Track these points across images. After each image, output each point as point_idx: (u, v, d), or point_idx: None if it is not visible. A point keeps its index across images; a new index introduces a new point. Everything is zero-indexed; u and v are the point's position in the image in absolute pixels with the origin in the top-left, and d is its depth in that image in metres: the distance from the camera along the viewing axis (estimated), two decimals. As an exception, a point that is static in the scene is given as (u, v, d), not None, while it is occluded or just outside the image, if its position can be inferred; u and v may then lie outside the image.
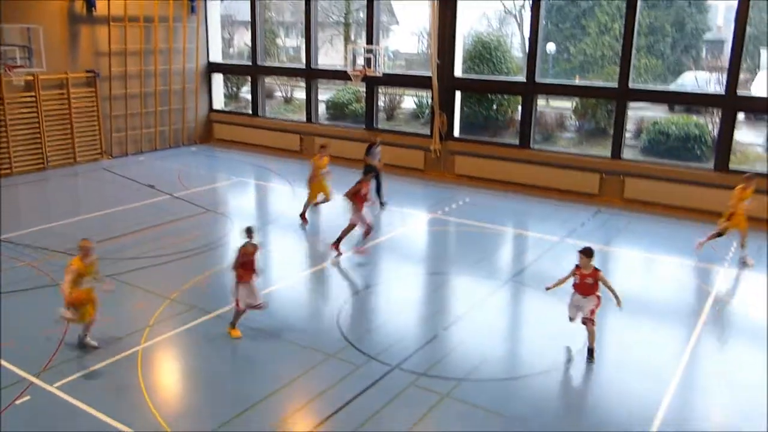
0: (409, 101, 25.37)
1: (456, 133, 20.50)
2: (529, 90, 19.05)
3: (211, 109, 25.17)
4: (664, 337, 10.08)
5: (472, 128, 21.14)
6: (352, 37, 29.64)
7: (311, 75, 22.97)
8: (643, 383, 8.56)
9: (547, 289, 9.52)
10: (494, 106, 22.03)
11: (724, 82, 16.66)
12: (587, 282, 9.01)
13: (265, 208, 17.74)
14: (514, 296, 11.84)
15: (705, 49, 28.27)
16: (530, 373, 8.95)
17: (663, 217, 16.15)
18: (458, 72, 20.28)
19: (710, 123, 19.56)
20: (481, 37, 22.83)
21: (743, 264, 13.06)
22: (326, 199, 15.41)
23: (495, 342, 9.98)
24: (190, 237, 13.91)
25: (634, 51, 17.46)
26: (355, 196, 12.90)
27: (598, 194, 17.65)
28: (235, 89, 28.43)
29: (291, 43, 36.14)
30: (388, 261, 13.37)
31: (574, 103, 21.71)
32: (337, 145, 22.03)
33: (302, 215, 15.22)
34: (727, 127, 16.57)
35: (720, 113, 16.96)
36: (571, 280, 9.18)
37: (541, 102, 20.52)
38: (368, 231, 13.34)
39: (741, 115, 22.01)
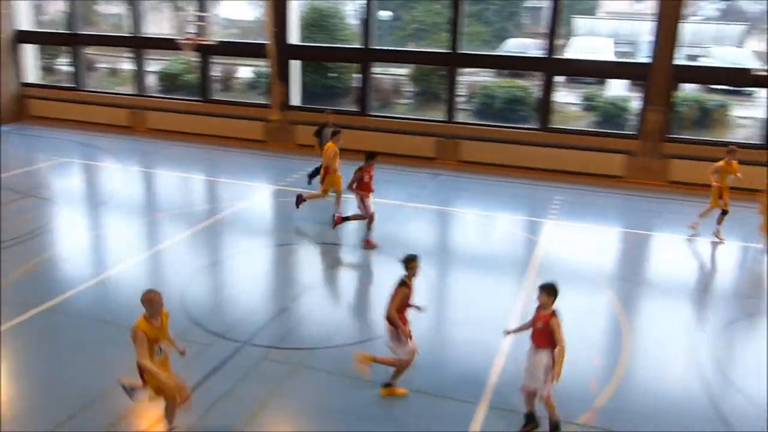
0: (246, 71, 24.62)
1: (296, 102, 20.27)
2: (365, 57, 19.23)
3: (22, 84, 22.90)
4: (499, 289, 10.73)
5: (312, 97, 20.99)
6: (181, 4, 28.13)
7: (138, 44, 21.59)
8: (484, 335, 9.04)
9: (507, 333, 7.33)
10: (332, 74, 21.99)
11: (544, 47, 17.84)
12: (538, 327, 6.77)
13: (95, 188, 16.54)
14: (361, 261, 12.03)
15: (526, 16, 30.00)
16: (381, 335, 9.15)
17: (495, 176, 17.10)
18: (295, 40, 19.99)
19: (532, 86, 20.87)
20: (317, 5, 22.57)
21: (716, 237, 12.80)
22: (337, 193, 13.32)
23: (346, 308, 10.11)
24: (8, 225, 12.65)
25: (463, 18, 18.18)
26: (360, 186, 11.85)
27: (435, 157, 18.31)
28: (49, 61, 26.01)
29: (113, 10, 33.63)
30: (232, 235, 13.03)
31: (410, 70, 22.18)
32: (171, 119, 21.05)
33: (342, 218, 12.65)
34: (548, 88, 17.81)
35: (541, 76, 18.14)
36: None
37: (378, 69, 20.78)
38: (370, 220, 12.15)
39: (559, 78, 23.65)
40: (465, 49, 18.63)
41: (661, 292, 11.03)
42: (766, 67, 15.25)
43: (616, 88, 23.47)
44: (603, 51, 25.24)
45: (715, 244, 12.76)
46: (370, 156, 11.99)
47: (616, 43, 29.17)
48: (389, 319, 7.33)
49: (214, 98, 21.28)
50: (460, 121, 18.90)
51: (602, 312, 10.08)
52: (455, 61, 18.40)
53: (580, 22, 31.22)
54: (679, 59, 17.10)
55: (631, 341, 9.07)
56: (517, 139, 17.78)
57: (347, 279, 11.37)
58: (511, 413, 7.30)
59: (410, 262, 7.39)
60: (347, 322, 9.58)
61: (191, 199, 15.34)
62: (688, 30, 18.61)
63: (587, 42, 27.39)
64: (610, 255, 12.68)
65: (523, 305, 9.99)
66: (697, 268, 11.99)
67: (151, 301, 6.44)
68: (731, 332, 9.54)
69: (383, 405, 7.49)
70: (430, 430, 7.08)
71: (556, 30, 17.52)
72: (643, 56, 17.87)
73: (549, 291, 6.77)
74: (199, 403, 7.38)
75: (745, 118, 20.71)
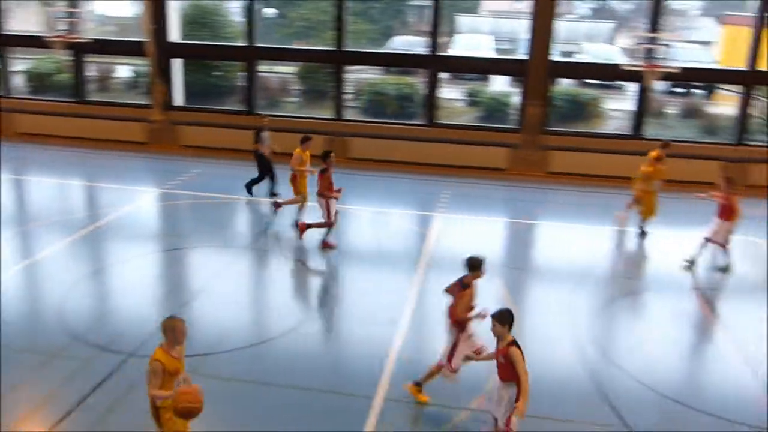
0: (124, 70, 23.53)
1: (179, 102, 19.60)
2: (250, 55, 18.87)
3: None
4: (391, 284, 10.84)
5: (196, 96, 20.35)
6: None
7: (0, 42, 20.12)
8: (377, 329, 9.12)
9: (469, 359, 7.30)
10: (217, 73, 21.43)
11: (429, 45, 18.19)
12: (500, 361, 6.27)
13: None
14: (252, 263, 11.80)
15: (411, 14, 30.54)
16: (274, 336, 9.03)
17: (385, 172, 17.27)
18: (175, 38, 19.30)
19: (419, 83, 21.27)
20: (199, 2, 21.90)
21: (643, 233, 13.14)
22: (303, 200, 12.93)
23: (237, 311, 9.87)
24: None
25: (348, 16, 18.23)
26: (329, 190, 11.58)
27: (326, 155, 18.24)
28: None
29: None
30: (115, 242, 12.41)
31: (297, 68, 21.99)
32: (43, 122, 19.79)
33: (303, 225, 12.30)
34: (433, 85, 18.18)
35: (426, 73, 18.49)
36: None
37: (264, 67, 20.44)
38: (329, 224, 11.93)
39: (444, 74, 24.14)
40: (351, 47, 18.69)
41: (545, 277, 11.55)
42: (633, 63, 16.20)
43: (498, 84, 24.31)
44: (484, 48, 26.10)
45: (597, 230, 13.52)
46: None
47: (497, 40, 30.14)
48: (459, 322, 7.23)
49: (90, 99, 20.21)
50: (349, 118, 18.96)
51: (490, 299, 10.35)
52: (341, 58, 18.42)
53: (462, 20, 32.06)
54: (555, 55, 17.96)
55: (517, 326, 9.36)
56: (405, 136, 18.04)
57: (238, 280, 11.10)
58: (406, 404, 7.40)
59: (478, 266, 7.21)
60: (239, 326, 9.36)
61: (69, 207, 14.47)
62: (562, 27, 19.60)
63: (470, 39, 28.22)
64: (497, 244, 13.12)
65: (415, 298, 10.16)
66: (579, 253, 12.56)
67: (174, 329, 5.65)
68: (611, 312, 10.12)
69: (279, 407, 7.38)
70: (327, 429, 7.04)
71: (439, 28, 17.92)
72: (522, 53, 18.61)
73: (501, 319, 6.21)
74: (82, 422, 7.00)
75: (615, 110, 22.06)
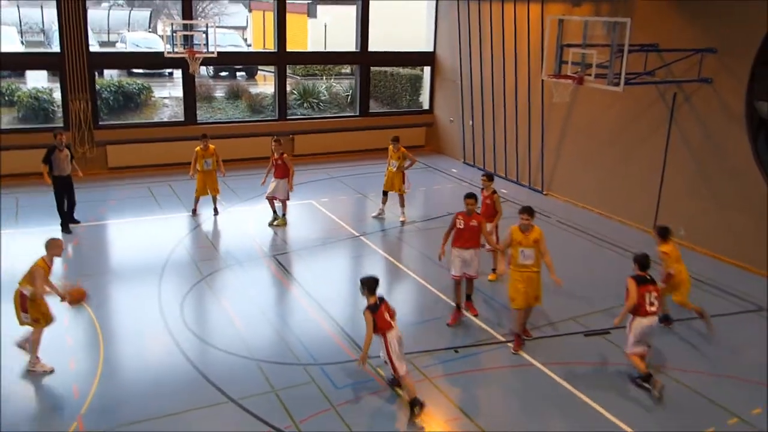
0: None
1: None
2: None
3: None
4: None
5: None
6: None
7: None
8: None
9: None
10: None
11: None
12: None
13: None
14: None
15: None
16: None
17: None
18: None
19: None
20: None
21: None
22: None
23: None
24: None
25: None
26: None
27: None
28: None
29: None
30: None
31: None
32: None
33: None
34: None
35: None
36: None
37: None
38: None
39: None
40: None
41: (126, 276, 11.11)
42: (173, 50, 16.24)
43: (37, 80, 22.19)
44: (10, 40, 23.43)
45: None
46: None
47: (25, 32, 27.34)
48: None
49: None
50: None
51: (80, 317, 9.59)
52: None
53: (-24, 10, 28.15)
54: (93, 46, 17.05)
55: (105, 336, 8.93)
56: None
57: None
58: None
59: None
60: None
61: None
62: (97, 16, 18.69)
63: (-10, 32, 25.01)
64: (66, 253, 11.96)
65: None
66: (155, 244, 12.33)
67: (58, 246, 8.04)
68: (195, 295, 10.32)
69: None
70: None
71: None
72: (56, 45, 17.05)
73: (364, 284, 7.68)
74: None
75: (167, 98, 22.20)
